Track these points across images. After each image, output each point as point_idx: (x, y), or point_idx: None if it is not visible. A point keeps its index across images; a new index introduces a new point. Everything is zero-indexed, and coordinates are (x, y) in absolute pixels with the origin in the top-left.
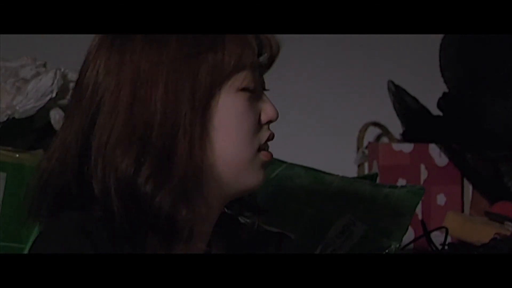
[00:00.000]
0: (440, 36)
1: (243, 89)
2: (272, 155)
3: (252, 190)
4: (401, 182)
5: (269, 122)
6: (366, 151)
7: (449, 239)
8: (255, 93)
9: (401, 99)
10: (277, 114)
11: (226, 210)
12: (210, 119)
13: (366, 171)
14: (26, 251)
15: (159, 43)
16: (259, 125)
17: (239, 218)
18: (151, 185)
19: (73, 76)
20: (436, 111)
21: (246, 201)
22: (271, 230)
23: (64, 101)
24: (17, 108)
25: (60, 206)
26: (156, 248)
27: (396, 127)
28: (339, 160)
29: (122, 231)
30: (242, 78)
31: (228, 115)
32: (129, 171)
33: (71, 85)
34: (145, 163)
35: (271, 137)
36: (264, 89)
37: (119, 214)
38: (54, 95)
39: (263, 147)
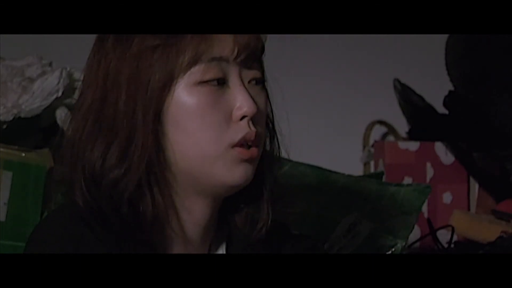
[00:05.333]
0: (446, 35)
1: (202, 83)
2: (252, 153)
3: (233, 187)
4: (407, 180)
5: (244, 117)
6: (372, 150)
7: (455, 238)
8: (223, 87)
9: (407, 98)
10: (252, 109)
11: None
12: (165, 114)
13: (372, 170)
14: None
15: (124, 41)
16: (230, 121)
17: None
18: (114, 174)
19: (78, 75)
20: (442, 110)
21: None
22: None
23: (70, 100)
24: (23, 107)
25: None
26: (133, 240)
27: (402, 126)
28: (345, 159)
29: (109, 223)
30: (200, 71)
31: (183, 110)
32: (97, 164)
33: (77, 84)
34: (109, 155)
35: (248, 136)
36: (259, 82)
37: (92, 205)
38: (60, 94)
39: (240, 144)
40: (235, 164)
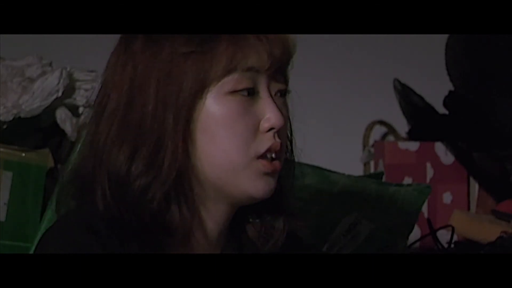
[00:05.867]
0: (446, 35)
1: (234, 92)
2: (275, 167)
3: (254, 200)
4: (407, 180)
5: (271, 129)
6: (372, 150)
7: (455, 238)
8: (253, 97)
9: (407, 98)
10: (281, 121)
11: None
12: (194, 122)
13: (372, 170)
14: (32, 251)
15: (154, 45)
16: (257, 132)
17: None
18: (142, 181)
19: (79, 75)
20: (442, 110)
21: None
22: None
23: (70, 100)
24: (23, 107)
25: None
26: (153, 248)
27: (402, 126)
28: (345, 159)
29: (126, 229)
30: (233, 81)
31: (214, 118)
32: (123, 168)
33: (77, 84)
34: (137, 161)
35: (274, 147)
36: (283, 94)
37: (114, 210)
38: (60, 94)
39: (265, 156)
40: (259, 176)
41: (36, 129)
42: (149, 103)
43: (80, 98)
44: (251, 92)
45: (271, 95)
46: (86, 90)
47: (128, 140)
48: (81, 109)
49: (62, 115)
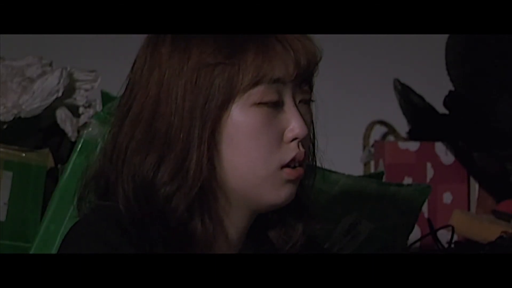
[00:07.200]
0: (446, 35)
1: (260, 104)
2: (299, 173)
3: (275, 207)
4: (407, 180)
5: (295, 139)
6: (372, 150)
7: (455, 238)
8: (277, 107)
9: (407, 98)
10: (305, 131)
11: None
12: (220, 133)
13: (372, 170)
14: (32, 251)
15: (182, 51)
16: (281, 142)
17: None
18: (167, 190)
19: (79, 75)
20: (442, 110)
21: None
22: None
23: (70, 100)
24: (24, 107)
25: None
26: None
27: (402, 126)
28: (345, 159)
29: (148, 232)
30: (259, 93)
31: (239, 130)
32: (148, 176)
33: (77, 84)
34: (162, 170)
35: (298, 157)
36: (307, 102)
37: (136, 214)
38: (60, 94)
39: (289, 165)
40: (282, 184)
41: (36, 129)
42: (175, 112)
43: (80, 98)
44: (276, 103)
45: (295, 105)
46: (86, 90)
47: (153, 147)
48: (81, 109)
49: (62, 115)
